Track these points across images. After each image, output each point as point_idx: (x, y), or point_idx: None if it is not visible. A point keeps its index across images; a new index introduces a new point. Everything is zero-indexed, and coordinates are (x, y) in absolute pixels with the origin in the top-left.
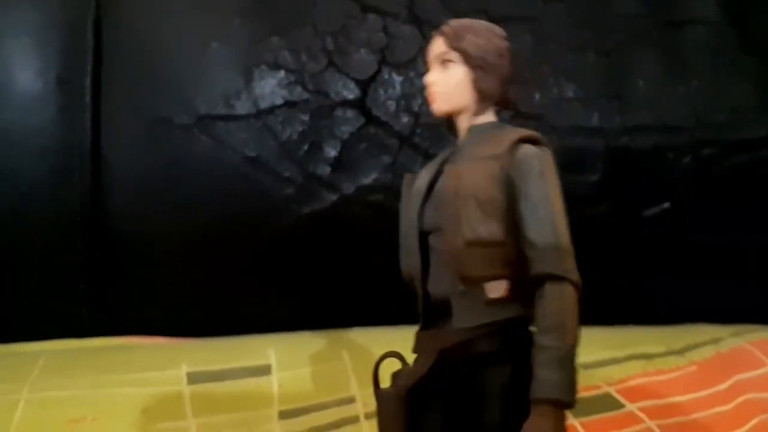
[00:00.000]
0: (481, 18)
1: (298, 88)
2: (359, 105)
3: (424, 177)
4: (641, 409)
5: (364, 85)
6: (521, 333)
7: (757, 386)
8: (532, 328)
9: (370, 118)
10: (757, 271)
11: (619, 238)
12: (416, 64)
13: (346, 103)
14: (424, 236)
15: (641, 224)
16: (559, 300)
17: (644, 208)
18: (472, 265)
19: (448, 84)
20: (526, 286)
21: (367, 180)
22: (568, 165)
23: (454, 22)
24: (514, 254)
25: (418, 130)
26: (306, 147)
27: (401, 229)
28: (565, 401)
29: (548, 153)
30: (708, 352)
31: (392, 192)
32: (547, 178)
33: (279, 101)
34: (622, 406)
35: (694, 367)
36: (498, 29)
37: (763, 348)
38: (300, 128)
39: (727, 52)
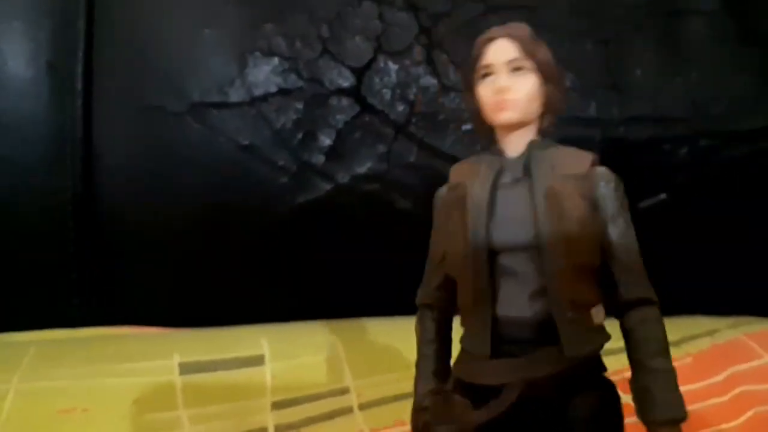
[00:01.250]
0: (479, 6)
1: (293, 76)
2: (354, 93)
3: (480, 191)
4: None
5: (360, 73)
6: (599, 358)
7: (753, 378)
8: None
9: (365, 107)
10: (754, 264)
11: None
12: (412, 52)
13: (340, 91)
14: (491, 255)
15: (638, 215)
16: (660, 324)
17: (641, 200)
18: (579, 289)
19: (522, 92)
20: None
21: (362, 169)
22: None
23: (519, 27)
24: (599, 279)
25: (413, 119)
26: (300, 135)
27: (452, 246)
28: (684, 417)
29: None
30: (704, 343)
31: (387, 182)
32: (625, 202)
33: (273, 89)
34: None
35: (689, 359)
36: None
37: (759, 340)
38: (294, 116)
39: (726, 43)
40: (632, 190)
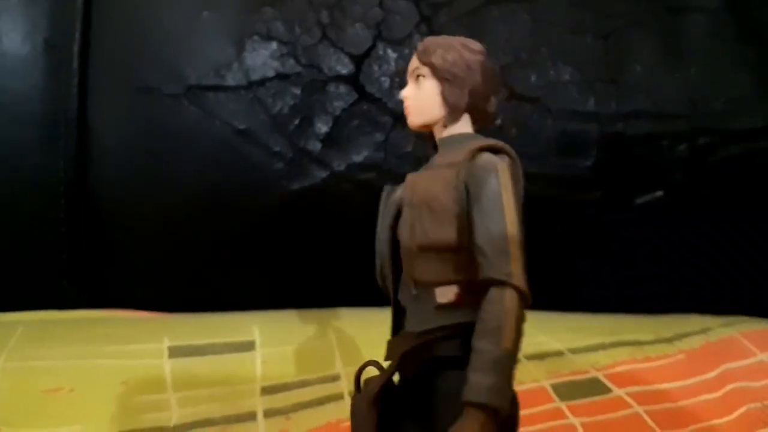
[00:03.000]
0: (479, 0)
1: (291, 61)
2: (352, 80)
3: (400, 189)
4: (629, 395)
5: (358, 60)
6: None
7: (746, 375)
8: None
9: (363, 95)
10: (750, 263)
11: (611, 224)
12: (412, 41)
13: (339, 78)
14: (397, 247)
15: (634, 211)
16: (499, 304)
17: (637, 196)
18: (424, 269)
19: (419, 97)
20: (479, 292)
21: (359, 157)
22: (562, 149)
23: (428, 39)
24: (468, 261)
25: None
26: (297, 121)
27: (376, 240)
28: (495, 406)
29: (507, 161)
30: (697, 341)
31: (383, 171)
32: (500, 185)
33: (271, 73)
34: (609, 390)
35: (682, 356)
36: (474, 45)
37: (752, 338)
38: (291, 102)
39: (726, 41)
40: (629, 185)
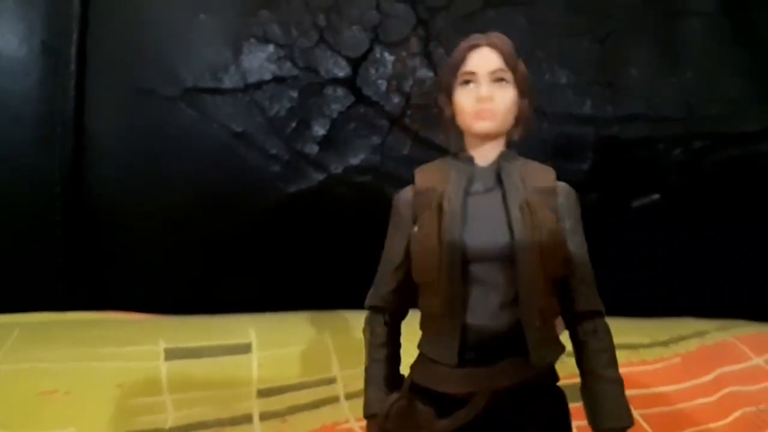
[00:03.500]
0: (477, 2)
1: (288, 64)
2: (349, 83)
3: (453, 198)
4: None
5: (355, 63)
6: (554, 369)
7: (741, 379)
8: None
9: (360, 97)
10: (745, 266)
11: (607, 227)
12: (409, 44)
13: (336, 81)
14: (464, 264)
15: (630, 214)
16: (610, 335)
17: (633, 199)
18: (548, 300)
19: (502, 103)
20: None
21: (355, 160)
22: (558, 152)
23: (503, 38)
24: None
25: (408, 112)
26: (294, 124)
27: (417, 253)
28: (631, 425)
29: None
30: (693, 344)
31: (380, 174)
32: (580, 218)
33: (267, 76)
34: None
35: (678, 359)
36: None
37: (748, 342)
38: (288, 105)
39: (722, 45)
40: (625, 188)
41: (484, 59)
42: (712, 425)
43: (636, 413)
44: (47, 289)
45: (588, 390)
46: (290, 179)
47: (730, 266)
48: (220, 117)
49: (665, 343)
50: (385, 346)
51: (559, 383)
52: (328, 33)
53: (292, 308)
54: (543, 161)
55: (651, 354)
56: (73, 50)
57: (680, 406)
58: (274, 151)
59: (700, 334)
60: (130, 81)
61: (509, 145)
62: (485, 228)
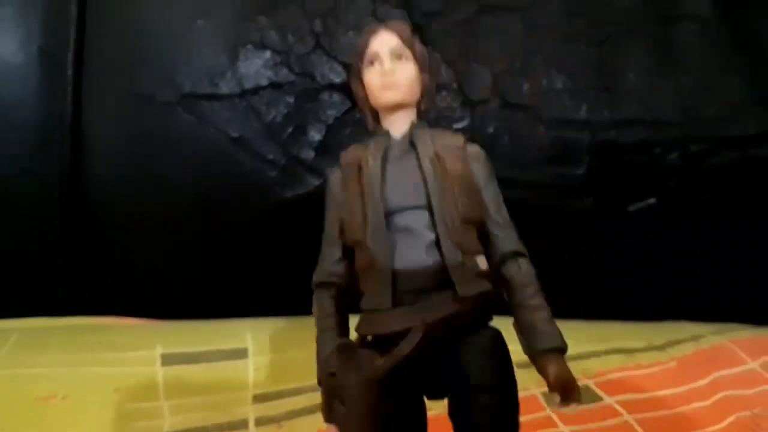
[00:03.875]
0: (472, 6)
1: (284, 70)
2: (345, 89)
3: (372, 165)
4: (619, 403)
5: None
6: (487, 303)
7: (737, 383)
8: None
9: (355, 103)
10: (741, 270)
11: (603, 232)
12: None
13: (332, 87)
14: (386, 216)
15: (626, 218)
16: (531, 270)
17: (630, 203)
18: (466, 238)
19: (403, 75)
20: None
21: None
22: (554, 157)
23: (399, 23)
24: (478, 234)
25: None
26: (290, 129)
27: (356, 212)
28: (565, 348)
29: None
30: (688, 348)
31: None
32: (493, 174)
33: (264, 82)
34: (600, 398)
35: (674, 363)
36: None
37: (744, 346)
38: (285, 110)
39: (719, 49)
40: (621, 192)
41: (384, 40)
42: (707, 429)
43: (631, 417)
44: (46, 291)
45: (519, 322)
46: (287, 184)
47: (727, 270)
48: (217, 122)
49: (661, 347)
50: (333, 316)
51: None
52: (325, 39)
53: (288, 313)
54: (539, 166)
55: (646, 358)
56: (71, 56)
57: (676, 410)
58: (270, 156)
59: (695, 338)
60: (128, 86)
61: (420, 117)
62: (402, 183)
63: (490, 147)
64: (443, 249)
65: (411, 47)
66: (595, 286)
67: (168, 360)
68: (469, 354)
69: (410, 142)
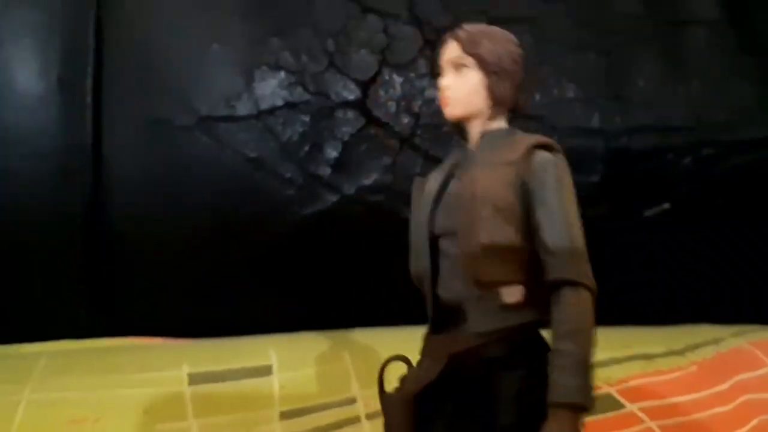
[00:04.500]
0: (481, 19)
1: (299, 89)
2: (360, 106)
3: (434, 181)
4: (642, 410)
5: (365, 86)
6: (534, 337)
7: (758, 387)
8: (545, 333)
9: (370, 119)
10: (757, 272)
11: (619, 238)
12: (417, 65)
13: (346, 104)
14: (434, 240)
15: (641, 224)
16: (576, 306)
17: (644, 209)
18: (488, 269)
19: (461, 89)
20: (542, 291)
21: (368, 181)
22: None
23: (470, 27)
24: (530, 260)
25: (418, 131)
26: (307, 148)
27: (411, 232)
28: (583, 405)
29: (562, 159)
30: (708, 352)
31: (393, 193)
32: (563, 185)
33: (279, 102)
34: (622, 406)
35: (694, 368)
36: (511, 36)
37: (764, 348)
38: (301, 129)
39: (728, 53)
40: (635, 199)
41: (445, 51)
42: None
43: (654, 424)
44: (71, 316)
45: (549, 363)
46: (305, 202)
47: (743, 272)
48: (234, 144)
49: (681, 352)
50: None
51: None
52: (338, 57)
53: (310, 328)
54: None
55: (667, 363)
56: (89, 84)
57: (698, 415)
58: (288, 175)
59: (715, 341)
60: (146, 112)
61: (509, 122)
62: (450, 205)
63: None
64: (464, 280)
65: (472, 52)
66: (613, 292)
67: (195, 379)
68: (500, 392)
69: (475, 155)
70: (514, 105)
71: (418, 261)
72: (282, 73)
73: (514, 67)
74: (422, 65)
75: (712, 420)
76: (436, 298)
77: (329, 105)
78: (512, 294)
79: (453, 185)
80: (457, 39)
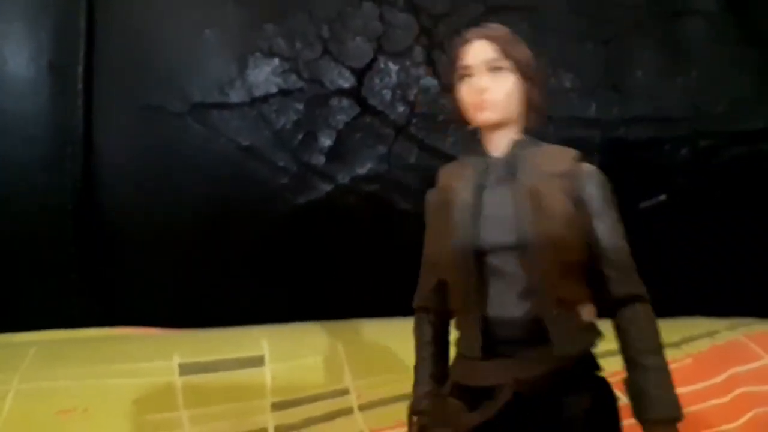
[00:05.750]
0: (479, 7)
1: (293, 77)
2: (355, 94)
3: (464, 192)
4: None
5: (360, 73)
6: (591, 356)
7: (753, 379)
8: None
9: (365, 108)
10: (753, 265)
11: None
12: (412, 53)
13: (341, 92)
14: (479, 256)
15: (638, 216)
16: (652, 320)
17: (641, 200)
18: (566, 287)
19: (501, 92)
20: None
21: (363, 170)
22: None
23: (497, 27)
24: (588, 276)
25: (413, 120)
26: (300, 136)
27: (432, 248)
28: (679, 417)
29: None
30: (704, 344)
31: (387, 182)
32: (612, 198)
33: (273, 89)
34: (618, 398)
35: (689, 360)
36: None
37: (759, 341)
38: (294, 117)
39: (726, 43)
40: (632, 190)
41: (477, 51)
42: (724, 427)
43: None
44: (62, 305)
45: (630, 380)
46: (298, 191)
47: (740, 264)
48: (227, 131)
49: (676, 344)
50: (431, 344)
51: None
52: (332, 44)
53: (303, 318)
54: None
55: None
56: (81, 69)
57: (694, 408)
58: (281, 164)
59: (710, 333)
60: (138, 98)
61: (528, 131)
62: (497, 219)
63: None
64: (539, 301)
65: (510, 56)
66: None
67: (186, 370)
68: (571, 415)
69: (510, 165)
70: (541, 113)
71: (458, 280)
72: (276, 60)
73: (540, 74)
74: (418, 53)
75: (707, 412)
76: (485, 320)
77: (324, 93)
78: (588, 312)
79: (494, 196)
80: (493, 40)
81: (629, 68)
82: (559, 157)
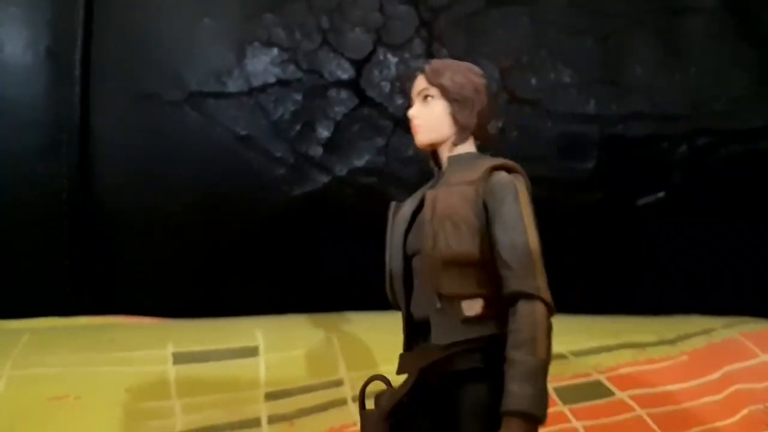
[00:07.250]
0: (479, 2)
1: (292, 67)
2: (353, 85)
3: (408, 205)
4: (632, 398)
5: (359, 65)
6: (498, 351)
7: (748, 377)
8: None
9: (364, 99)
10: (751, 263)
11: (612, 226)
12: (412, 46)
13: (339, 83)
14: (408, 261)
15: (635, 212)
16: (530, 317)
17: (638, 197)
18: (448, 283)
19: (428, 117)
20: (503, 305)
21: (360, 162)
22: (562, 151)
23: (435, 62)
24: (490, 275)
25: None
26: (298, 127)
27: (387, 254)
28: (535, 414)
29: (522, 180)
30: (699, 342)
31: (385, 175)
32: (519, 202)
33: (271, 79)
34: (612, 393)
35: (685, 357)
36: (476, 68)
37: (755, 339)
38: (292, 108)
39: (726, 41)
40: (630, 187)
41: (415, 85)
42: (719, 424)
43: (644, 412)
44: (55, 293)
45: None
46: (295, 182)
47: (737, 263)
48: (224, 121)
49: (672, 342)
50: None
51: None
52: (332, 35)
53: (298, 310)
54: (547, 160)
55: (657, 352)
56: (78, 56)
57: (687, 405)
58: (278, 154)
59: (706, 331)
60: (135, 86)
61: (480, 148)
62: (417, 226)
63: (498, 142)
64: (427, 296)
65: (436, 84)
66: (605, 280)
67: (179, 359)
68: (464, 405)
69: (439, 179)
70: (480, 131)
71: (393, 281)
72: (275, 50)
73: (475, 95)
74: (418, 45)
75: (702, 409)
76: (409, 316)
77: (322, 84)
78: (472, 307)
79: (424, 207)
80: (423, 72)
81: (628, 64)
82: (477, 168)
